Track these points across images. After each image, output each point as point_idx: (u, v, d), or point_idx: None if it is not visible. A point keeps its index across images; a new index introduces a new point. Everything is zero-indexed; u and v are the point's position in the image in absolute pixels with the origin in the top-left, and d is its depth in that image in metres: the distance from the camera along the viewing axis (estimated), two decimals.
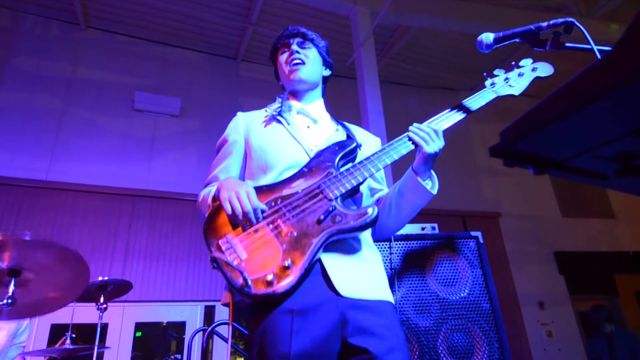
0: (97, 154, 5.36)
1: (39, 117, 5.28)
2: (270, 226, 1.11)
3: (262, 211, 1.12)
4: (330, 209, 1.12)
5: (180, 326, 5.10)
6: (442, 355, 1.81)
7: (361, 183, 1.19)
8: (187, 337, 4.93)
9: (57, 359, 2.65)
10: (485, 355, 1.82)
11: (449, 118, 1.28)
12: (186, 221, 5.34)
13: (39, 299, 2.09)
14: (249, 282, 1.01)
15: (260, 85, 6.47)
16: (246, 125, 1.39)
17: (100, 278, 2.72)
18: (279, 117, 1.37)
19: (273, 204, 1.15)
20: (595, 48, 0.97)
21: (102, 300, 2.75)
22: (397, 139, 1.26)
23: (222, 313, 5.11)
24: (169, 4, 5.78)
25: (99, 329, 2.70)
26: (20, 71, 5.44)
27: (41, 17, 5.82)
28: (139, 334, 4.89)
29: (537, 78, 1.39)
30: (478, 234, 2.08)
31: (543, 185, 7.56)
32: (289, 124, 1.35)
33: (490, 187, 7.33)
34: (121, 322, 4.76)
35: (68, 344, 2.60)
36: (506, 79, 1.40)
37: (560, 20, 1.09)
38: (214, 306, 5.17)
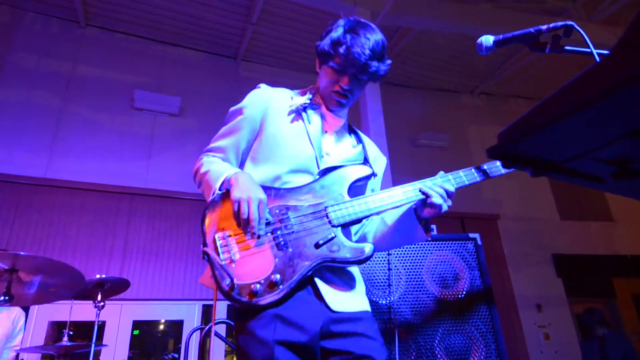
0: (96, 152, 5.35)
1: (38, 114, 5.27)
2: (270, 235, 1.12)
3: (267, 222, 1.13)
4: (330, 236, 1.13)
5: (178, 325, 5.10)
6: (439, 356, 1.81)
7: (366, 217, 1.21)
8: (184, 335, 4.93)
9: (54, 356, 2.64)
10: (482, 357, 1.82)
11: (466, 178, 1.26)
12: (184, 220, 5.33)
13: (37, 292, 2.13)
14: (235, 287, 1.03)
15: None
16: (266, 105, 1.33)
17: (97, 276, 2.72)
18: (302, 113, 1.34)
19: (277, 211, 1.16)
20: (594, 51, 0.97)
21: (99, 298, 2.74)
22: (410, 184, 1.23)
23: (221, 312, 5.11)
24: (169, 3, 5.77)
25: (96, 327, 2.69)
26: (20, 68, 5.43)
27: (41, 15, 5.81)
28: (136, 332, 4.89)
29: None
30: (476, 235, 2.09)
31: (541, 187, 7.56)
32: (309, 123, 1.32)
33: (489, 189, 7.32)
34: (119, 320, 4.75)
35: (65, 341, 2.60)
36: None
37: (560, 23, 1.09)
38: (211, 305, 5.17)
